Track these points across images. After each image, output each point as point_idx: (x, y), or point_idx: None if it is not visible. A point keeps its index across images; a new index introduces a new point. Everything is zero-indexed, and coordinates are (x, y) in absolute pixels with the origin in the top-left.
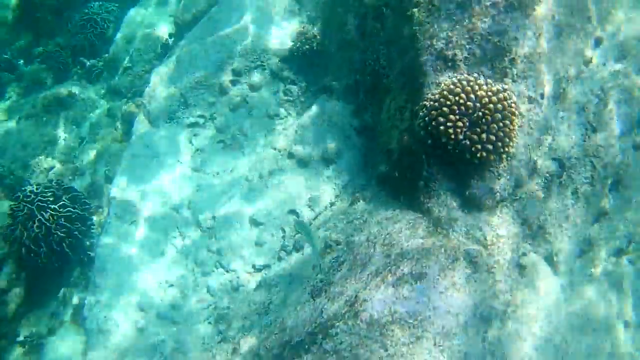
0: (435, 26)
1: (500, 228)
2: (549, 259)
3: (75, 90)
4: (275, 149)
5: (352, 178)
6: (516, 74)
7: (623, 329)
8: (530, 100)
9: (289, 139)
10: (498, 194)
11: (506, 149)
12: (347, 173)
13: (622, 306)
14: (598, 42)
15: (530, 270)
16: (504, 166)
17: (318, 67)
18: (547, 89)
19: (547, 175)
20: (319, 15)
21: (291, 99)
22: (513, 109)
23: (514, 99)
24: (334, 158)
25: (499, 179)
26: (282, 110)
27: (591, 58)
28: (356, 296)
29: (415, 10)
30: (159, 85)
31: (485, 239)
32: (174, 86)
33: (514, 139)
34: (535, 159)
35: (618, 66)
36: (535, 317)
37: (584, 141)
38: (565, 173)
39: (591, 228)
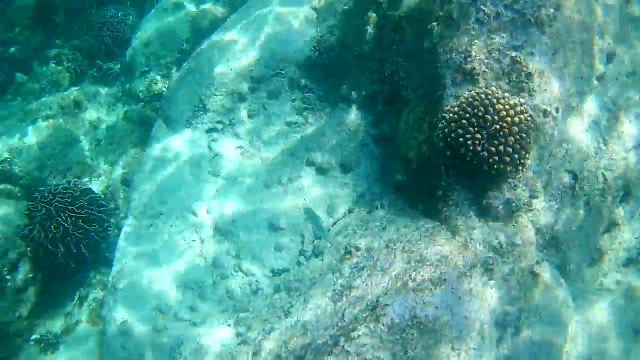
0: (455, 40)
1: (516, 237)
2: (561, 268)
3: (92, 91)
4: (294, 156)
5: (370, 186)
6: (532, 89)
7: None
8: (546, 114)
9: (308, 147)
10: (514, 204)
11: (522, 161)
12: (365, 181)
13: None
14: (610, 57)
15: (543, 278)
16: (520, 177)
17: (336, 76)
18: (562, 102)
19: (561, 186)
20: (336, 24)
21: (309, 107)
22: (529, 123)
23: (531, 112)
24: (353, 166)
25: (515, 190)
26: (300, 119)
27: (604, 73)
28: (377, 301)
29: (435, 24)
30: (177, 91)
31: (502, 247)
32: (192, 92)
33: (530, 151)
34: (549, 170)
35: (630, 80)
36: (547, 323)
37: (597, 154)
38: (578, 184)
39: (602, 238)
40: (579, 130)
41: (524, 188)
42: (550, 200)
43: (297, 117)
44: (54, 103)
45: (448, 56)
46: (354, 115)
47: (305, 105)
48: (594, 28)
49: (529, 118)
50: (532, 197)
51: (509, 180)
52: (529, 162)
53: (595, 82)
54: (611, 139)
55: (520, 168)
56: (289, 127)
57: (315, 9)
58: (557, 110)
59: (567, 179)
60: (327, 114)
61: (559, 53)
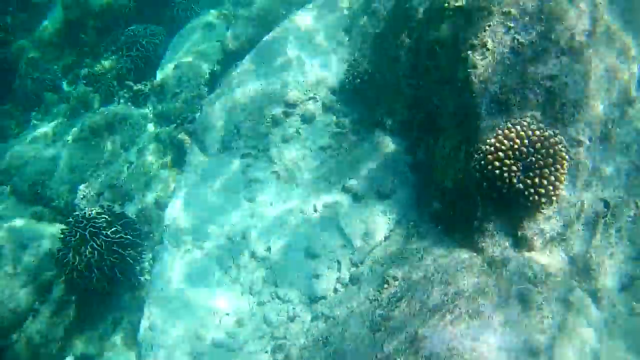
0: (490, 70)
1: (550, 267)
2: (593, 295)
3: (123, 114)
4: (329, 182)
5: (406, 212)
6: (566, 118)
7: None
8: (579, 143)
9: (343, 173)
10: (548, 234)
11: (556, 192)
12: (401, 208)
13: None
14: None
15: (576, 305)
16: (554, 208)
17: (369, 100)
18: (595, 131)
19: (593, 214)
20: (369, 47)
21: (343, 131)
22: (563, 154)
23: (564, 143)
24: (388, 193)
25: (549, 220)
26: (334, 143)
27: (635, 98)
28: (416, 332)
29: (469, 53)
30: (211, 115)
31: (536, 277)
32: (227, 116)
33: (563, 182)
34: (582, 199)
35: None
36: (579, 350)
37: (628, 181)
38: (610, 212)
39: (633, 265)
40: (610, 157)
41: (558, 217)
42: (583, 229)
43: (331, 141)
44: (84, 124)
45: (483, 86)
46: (388, 141)
47: (339, 130)
48: (626, 51)
49: (563, 148)
50: (565, 225)
51: (543, 210)
52: (562, 191)
53: (627, 107)
54: None
55: (554, 199)
56: (323, 152)
57: (346, 31)
58: (590, 139)
59: (599, 206)
60: (361, 138)
61: (591, 79)
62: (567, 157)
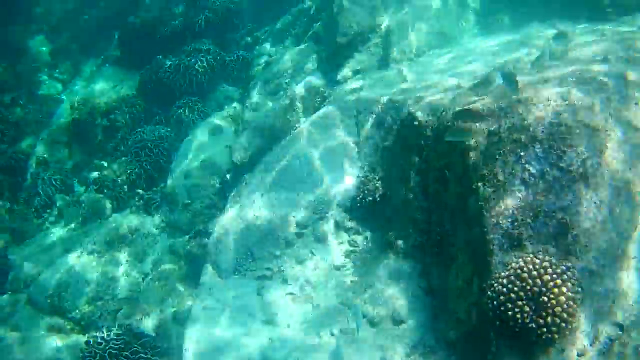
0: (501, 203)
1: None
2: None
3: (135, 223)
4: (343, 304)
5: (422, 337)
6: (579, 250)
7: None
8: (592, 274)
9: (358, 295)
10: None
11: (569, 327)
12: (417, 333)
13: None
14: None
15: None
16: (567, 341)
17: (382, 217)
18: (608, 257)
19: (608, 339)
20: (380, 163)
21: (356, 249)
22: (576, 288)
23: (577, 276)
24: (404, 318)
25: (562, 353)
26: (348, 261)
27: None
28: None
29: (480, 184)
30: (224, 236)
31: None
32: (239, 237)
33: (576, 316)
34: (596, 327)
35: None
36: None
37: None
38: (625, 334)
39: None
40: (626, 281)
41: (572, 349)
42: (598, 356)
43: (345, 259)
44: (99, 236)
45: (494, 220)
46: (402, 265)
47: (352, 248)
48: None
49: (576, 282)
50: (579, 355)
51: (556, 344)
52: (575, 325)
53: None
54: None
55: (567, 333)
56: (338, 271)
57: (356, 144)
58: (603, 267)
59: (614, 331)
60: (374, 257)
61: (604, 203)
62: (580, 290)
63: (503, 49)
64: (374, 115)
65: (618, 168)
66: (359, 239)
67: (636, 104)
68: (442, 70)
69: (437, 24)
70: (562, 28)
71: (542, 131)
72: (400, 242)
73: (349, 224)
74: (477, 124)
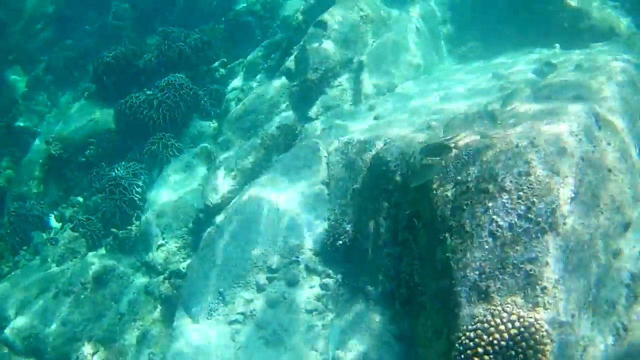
0: (468, 255)
1: None
2: None
3: (111, 263)
4: (316, 350)
5: None
6: (547, 302)
7: None
8: (561, 324)
9: (331, 339)
10: None
11: None
12: None
13: None
14: (626, 226)
15: None
16: None
17: (352, 261)
18: (577, 303)
19: None
20: (350, 205)
21: (328, 293)
22: (545, 341)
23: (546, 327)
24: None
25: None
26: (320, 305)
27: (620, 249)
28: None
29: (447, 235)
30: (196, 281)
31: None
32: (212, 282)
33: None
34: None
35: None
36: None
37: (615, 342)
38: None
39: None
40: (595, 322)
41: None
42: None
43: (317, 303)
44: (74, 277)
45: (462, 273)
46: (373, 312)
47: (324, 292)
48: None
49: (544, 335)
50: None
51: None
52: None
53: (612, 259)
54: (630, 322)
55: None
56: (310, 315)
57: (326, 185)
58: (572, 315)
59: None
60: (346, 300)
61: (574, 253)
62: (548, 342)
63: (475, 83)
64: (344, 156)
65: (583, 215)
66: (330, 282)
67: (609, 144)
68: (413, 109)
69: (410, 56)
70: (544, 58)
71: (511, 181)
72: (371, 288)
73: (320, 267)
74: (442, 160)
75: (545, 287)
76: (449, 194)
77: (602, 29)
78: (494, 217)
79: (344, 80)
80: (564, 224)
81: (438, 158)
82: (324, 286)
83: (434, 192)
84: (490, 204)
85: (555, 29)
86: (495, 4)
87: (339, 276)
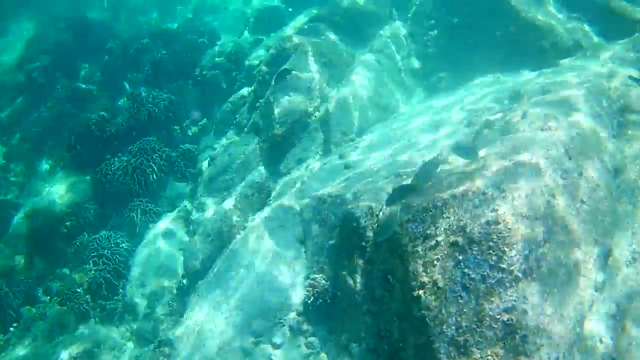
0: (444, 311)
1: None
2: None
3: (101, 335)
4: None
5: None
6: (528, 349)
7: None
8: None
9: None
10: None
11: None
12: None
13: None
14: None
15: None
16: None
17: (335, 317)
18: (561, 348)
19: None
20: (327, 263)
21: (315, 351)
22: None
23: None
24: None
25: None
26: None
27: (601, 281)
28: None
29: (421, 292)
30: (183, 350)
31: None
32: (198, 352)
33: None
34: None
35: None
36: None
37: None
38: None
39: None
40: None
41: None
42: None
43: None
44: (66, 352)
45: (439, 329)
46: None
47: (310, 350)
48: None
49: None
50: None
51: None
52: None
53: (593, 292)
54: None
55: None
56: None
57: (302, 243)
58: (556, 358)
59: None
60: (333, 358)
61: (553, 294)
62: None
63: (446, 121)
64: (317, 213)
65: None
66: (315, 341)
67: (579, 174)
68: (382, 158)
69: (376, 97)
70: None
71: (479, 232)
72: (354, 345)
73: (304, 327)
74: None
75: (525, 336)
76: (419, 249)
77: (566, 45)
78: (466, 270)
79: (312, 129)
80: (540, 267)
81: (398, 207)
82: (309, 345)
83: (404, 248)
84: (461, 257)
85: (520, 49)
86: (461, 32)
87: (324, 332)
